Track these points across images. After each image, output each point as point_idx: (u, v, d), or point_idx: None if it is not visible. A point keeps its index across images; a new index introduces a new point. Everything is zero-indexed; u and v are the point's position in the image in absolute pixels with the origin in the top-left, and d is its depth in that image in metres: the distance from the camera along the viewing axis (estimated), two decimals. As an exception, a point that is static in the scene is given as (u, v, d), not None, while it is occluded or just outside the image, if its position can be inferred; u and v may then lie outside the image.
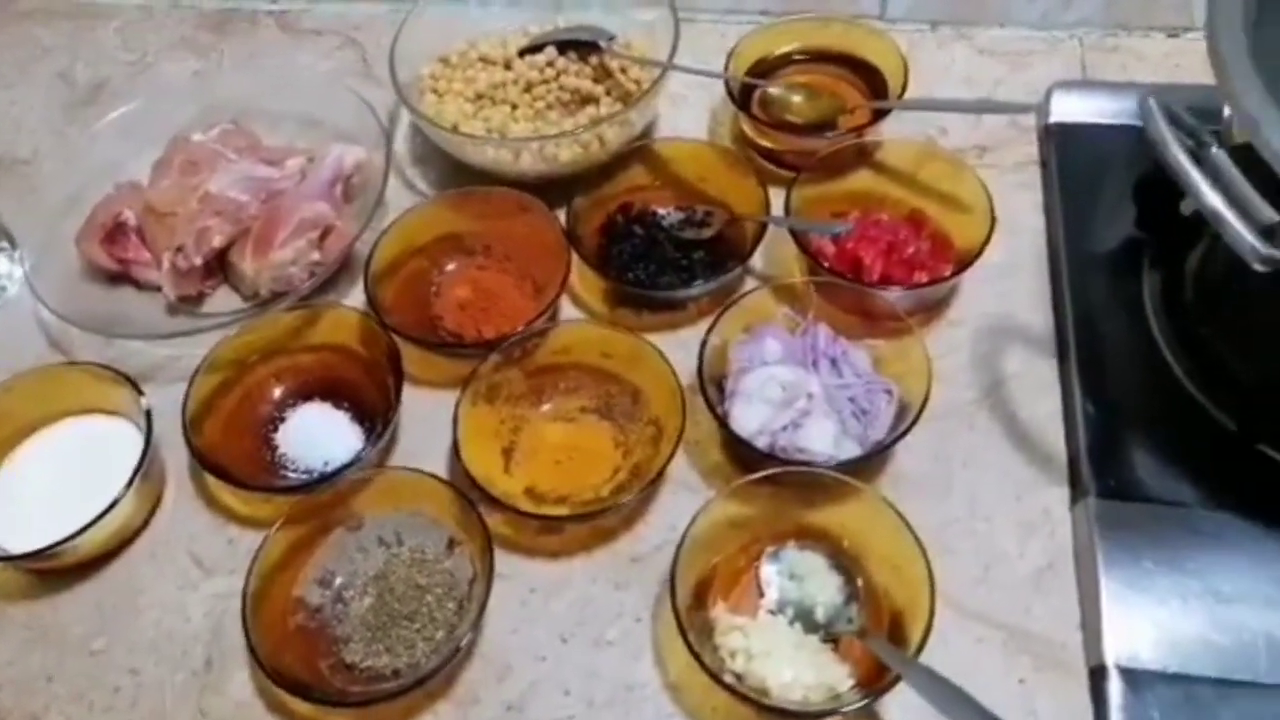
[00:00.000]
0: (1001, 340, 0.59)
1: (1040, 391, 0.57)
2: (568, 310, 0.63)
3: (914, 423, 0.52)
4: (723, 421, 0.52)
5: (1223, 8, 0.45)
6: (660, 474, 0.53)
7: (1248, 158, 0.42)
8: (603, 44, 0.66)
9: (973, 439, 0.56)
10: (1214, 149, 0.43)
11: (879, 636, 0.48)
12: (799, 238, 0.59)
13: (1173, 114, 0.43)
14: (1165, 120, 0.41)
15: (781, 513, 0.52)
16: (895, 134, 0.68)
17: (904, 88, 0.65)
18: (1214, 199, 0.38)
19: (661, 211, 0.64)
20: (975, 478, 0.55)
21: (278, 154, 0.66)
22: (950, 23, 0.74)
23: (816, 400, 0.53)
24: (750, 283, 0.63)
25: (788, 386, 0.53)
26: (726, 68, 0.66)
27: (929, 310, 0.60)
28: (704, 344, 0.54)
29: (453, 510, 0.52)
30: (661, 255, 0.62)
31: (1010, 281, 0.61)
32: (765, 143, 0.67)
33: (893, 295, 0.58)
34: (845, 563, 0.51)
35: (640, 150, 0.65)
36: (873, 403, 0.54)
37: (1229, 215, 0.38)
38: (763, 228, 0.60)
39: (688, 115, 0.71)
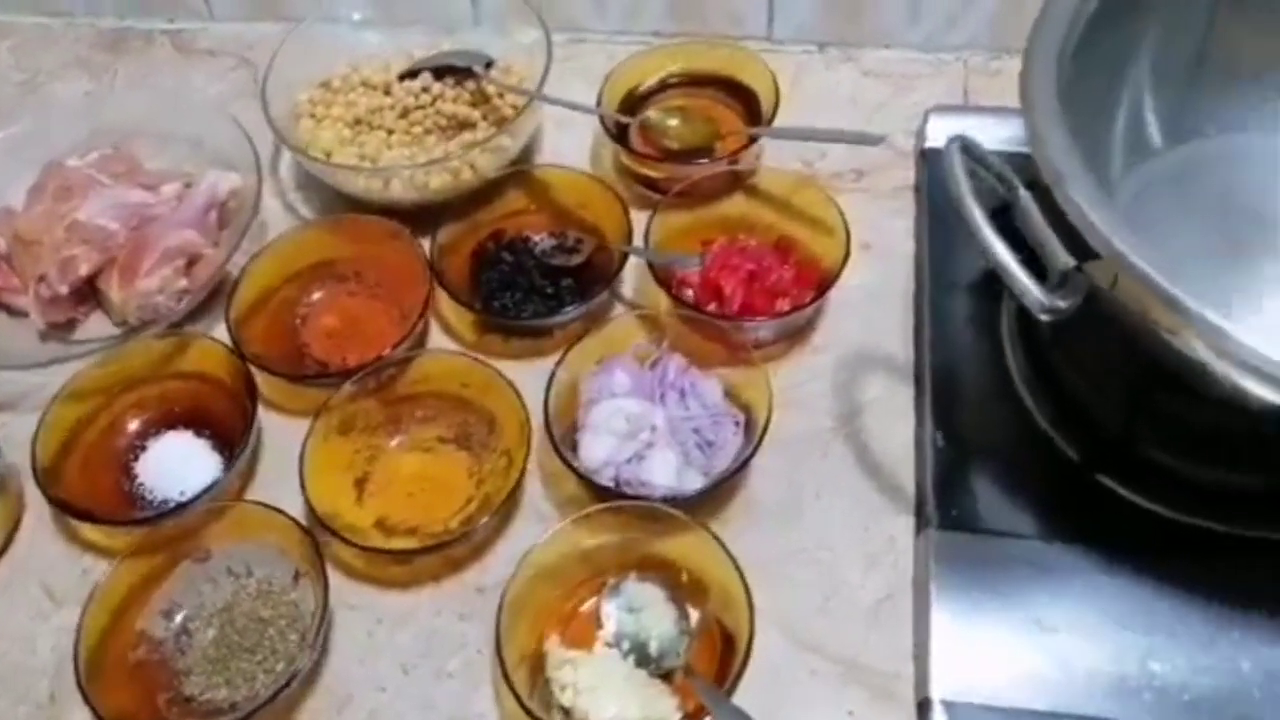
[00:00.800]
0: (863, 368, 0.60)
1: (896, 420, 0.57)
2: (439, 338, 0.63)
3: (752, 454, 0.52)
4: (560, 454, 0.52)
5: (1044, 38, 0.46)
6: (504, 505, 0.53)
7: (1053, 200, 0.43)
8: (477, 70, 0.66)
9: (826, 467, 0.56)
10: (1021, 191, 0.44)
11: (698, 675, 0.48)
12: (654, 268, 0.59)
13: (978, 156, 0.43)
14: (963, 166, 0.41)
15: (625, 545, 0.52)
16: (775, 158, 0.68)
17: (775, 111, 0.65)
18: (1000, 251, 0.39)
19: (535, 238, 0.65)
20: (825, 506, 0.55)
21: (155, 179, 0.66)
22: (838, 44, 0.74)
23: (660, 433, 0.53)
24: (620, 311, 0.63)
25: (632, 419, 0.53)
26: (599, 99, 0.66)
27: (792, 338, 0.60)
28: (551, 377, 0.54)
29: (297, 543, 0.52)
30: (529, 283, 0.62)
31: (877, 309, 0.62)
32: (643, 170, 0.67)
33: (749, 324, 0.58)
34: (683, 595, 0.51)
35: (518, 176, 0.66)
36: (719, 434, 0.54)
37: (1014, 269, 0.39)
38: (625, 256, 0.61)
39: (572, 138, 0.71)
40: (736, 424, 0.54)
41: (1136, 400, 0.49)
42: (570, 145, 0.71)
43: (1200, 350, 0.39)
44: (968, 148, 0.43)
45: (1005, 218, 0.57)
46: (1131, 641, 0.49)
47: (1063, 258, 0.41)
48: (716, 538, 0.49)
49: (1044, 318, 0.39)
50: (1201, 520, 0.51)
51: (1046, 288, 0.41)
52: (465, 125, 0.67)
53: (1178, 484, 0.51)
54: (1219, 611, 0.49)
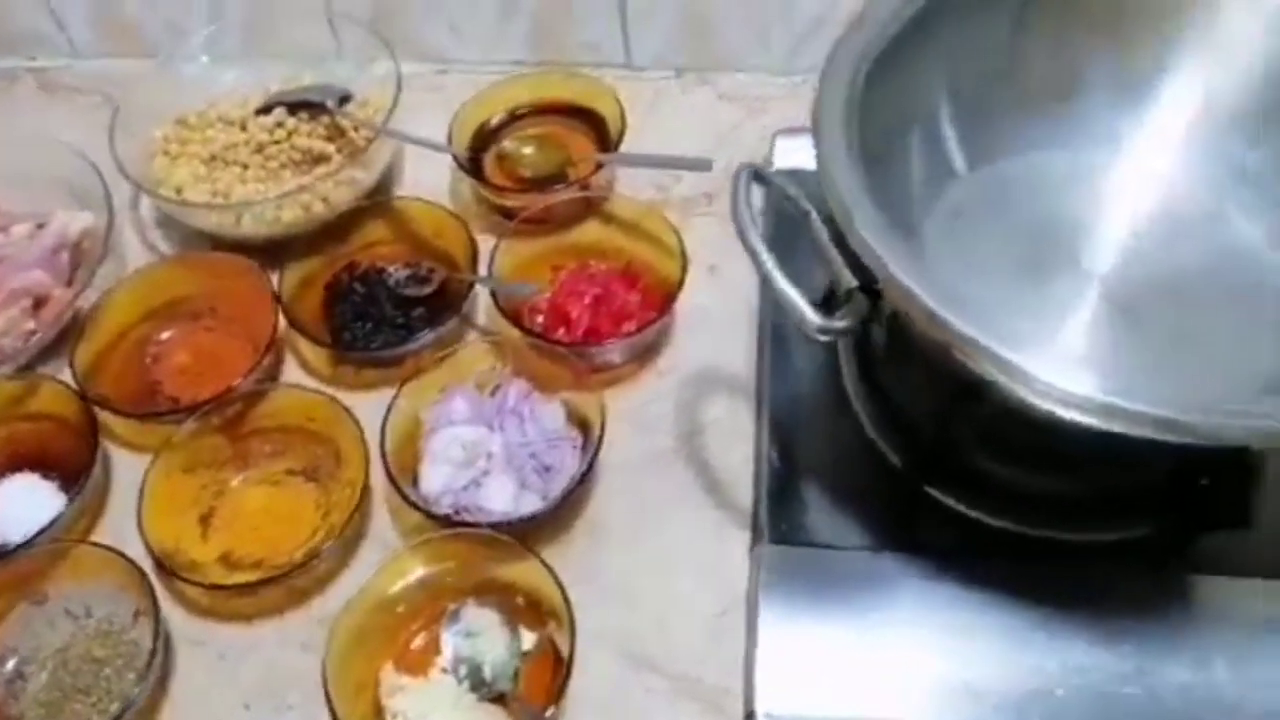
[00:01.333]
0: (707, 388, 0.61)
1: (737, 438, 0.58)
2: (295, 373, 0.63)
3: (582, 477, 0.53)
4: (395, 483, 0.53)
5: (838, 66, 0.47)
6: (346, 536, 0.54)
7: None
8: (329, 104, 0.67)
9: (667, 487, 0.57)
10: (812, 213, 0.45)
11: (522, 698, 0.49)
12: (496, 295, 0.60)
13: (767, 180, 0.45)
14: (745, 192, 0.43)
15: (465, 571, 0.53)
16: (630, 184, 0.70)
17: (621, 137, 0.67)
18: (777, 277, 0.40)
19: (390, 269, 0.65)
20: (666, 526, 0.56)
21: (5, 220, 0.66)
22: (695, 69, 0.76)
23: (496, 459, 0.54)
24: (472, 339, 0.63)
25: (468, 446, 0.54)
26: (449, 134, 0.67)
27: (640, 360, 0.62)
28: (389, 407, 0.55)
29: (136, 582, 0.52)
30: (380, 313, 0.63)
31: (722, 330, 0.63)
32: (499, 200, 0.68)
33: (593, 349, 0.59)
34: (519, 619, 0.52)
35: (372, 208, 0.67)
36: (556, 458, 0.55)
37: (789, 293, 0.40)
38: (471, 285, 0.62)
39: (433, 169, 0.71)
40: (575, 447, 0.55)
41: (948, 411, 0.51)
42: (431, 176, 0.71)
43: (981, 369, 0.41)
44: (758, 175, 0.44)
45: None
46: (951, 648, 0.50)
47: (845, 278, 0.43)
48: (542, 560, 0.50)
49: (820, 338, 0.40)
50: (1017, 525, 0.52)
51: (835, 308, 0.43)
52: (320, 159, 0.68)
53: (995, 491, 0.53)
54: (1032, 615, 0.51)
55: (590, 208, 0.65)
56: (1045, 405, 0.39)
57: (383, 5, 0.75)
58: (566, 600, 0.49)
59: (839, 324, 0.40)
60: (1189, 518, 0.52)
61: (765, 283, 0.59)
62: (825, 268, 0.44)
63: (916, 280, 0.40)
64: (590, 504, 0.57)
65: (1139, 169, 0.55)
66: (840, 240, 0.43)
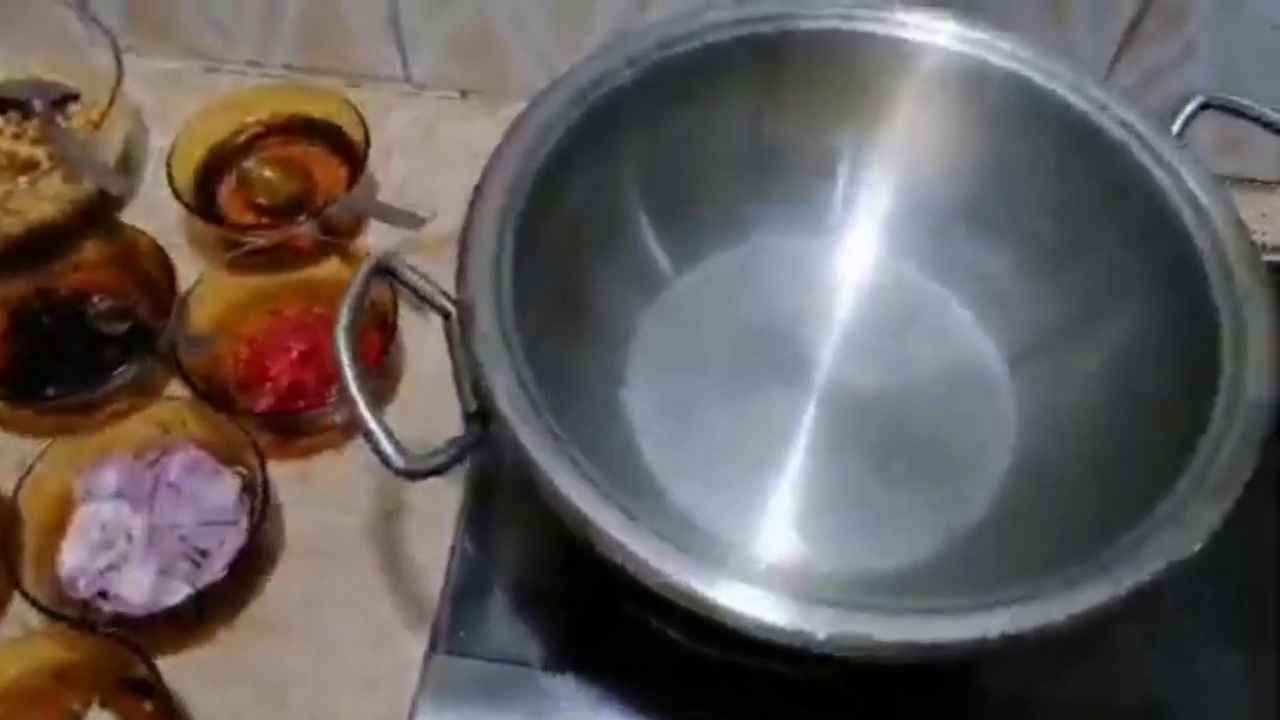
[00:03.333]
0: (419, 462, 0.56)
1: (437, 525, 0.53)
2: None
3: (234, 567, 0.48)
4: (9, 565, 0.47)
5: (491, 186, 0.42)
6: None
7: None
8: (35, 104, 0.60)
9: (354, 577, 0.52)
10: (453, 317, 0.39)
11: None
12: (174, 347, 0.53)
13: (399, 275, 0.39)
14: (360, 291, 0.37)
15: (95, 669, 0.47)
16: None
17: (362, 167, 0.61)
18: (361, 406, 0.34)
19: (95, 299, 0.58)
20: (340, 622, 0.51)
21: None
22: (480, 92, 0.70)
23: (136, 543, 0.48)
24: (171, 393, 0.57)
25: (108, 526, 0.48)
26: (168, 164, 0.59)
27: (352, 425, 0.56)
28: (26, 472, 0.49)
29: None
30: (63, 351, 0.56)
31: (450, 397, 0.58)
32: (228, 234, 0.60)
33: (291, 415, 0.54)
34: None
35: (89, 228, 0.58)
36: (214, 541, 0.49)
37: (375, 430, 0.34)
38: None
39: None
40: (242, 530, 0.50)
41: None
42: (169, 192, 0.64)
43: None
44: (386, 268, 0.38)
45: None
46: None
47: (468, 400, 0.37)
48: (151, 665, 0.44)
49: (404, 477, 0.35)
50: (714, 649, 0.48)
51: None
52: (29, 167, 0.60)
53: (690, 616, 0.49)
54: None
55: (329, 247, 0.59)
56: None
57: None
58: (171, 706, 0.44)
59: (430, 463, 0.35)
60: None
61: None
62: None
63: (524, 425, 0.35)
64: (259, 595, 0.51)
65: (860, 262, 0.51)
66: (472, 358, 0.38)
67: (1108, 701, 0.48)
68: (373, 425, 0.34)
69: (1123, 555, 0.33)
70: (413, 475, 0.35)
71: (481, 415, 0.36)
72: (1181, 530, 0.33)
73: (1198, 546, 0.33)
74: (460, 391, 0.38)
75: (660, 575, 0.32)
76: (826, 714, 0.47)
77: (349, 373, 0.35)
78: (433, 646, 0.49)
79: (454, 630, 0.49)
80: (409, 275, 0.39)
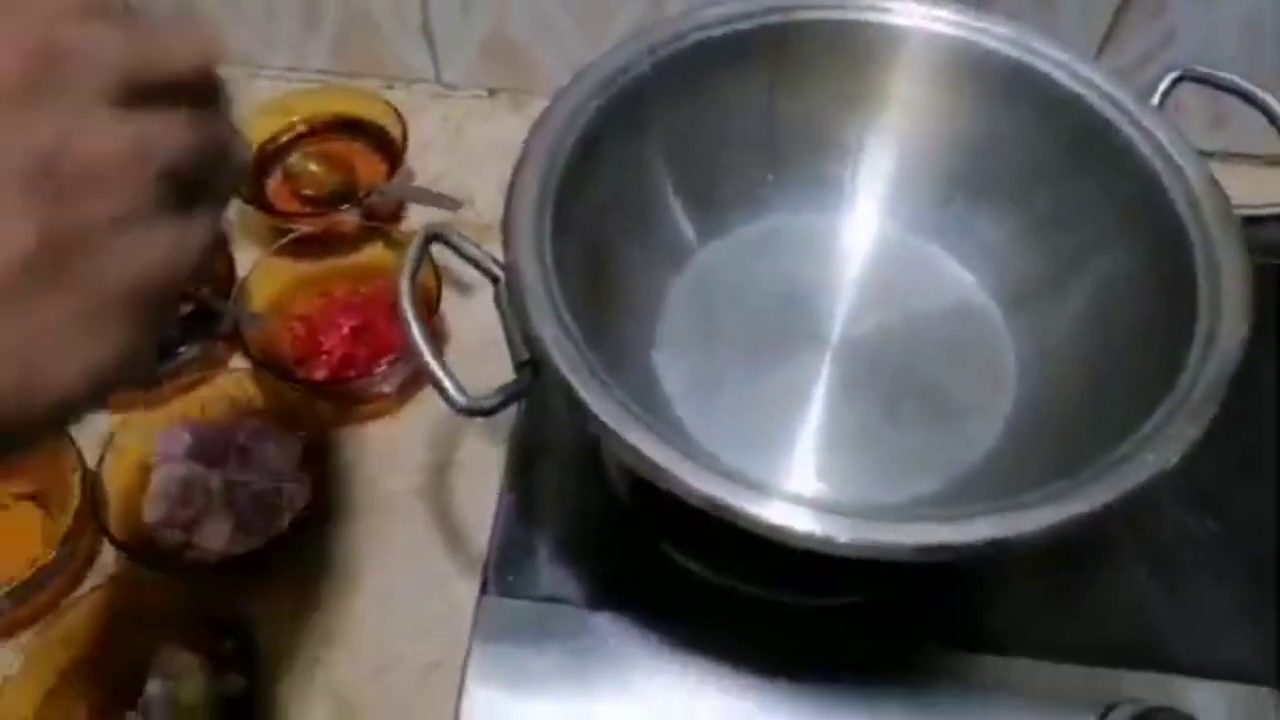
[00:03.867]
0: (465, 424, 0.60)
1: (485, 481, 0.57)
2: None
3: (299, 520, 0.52)
4: (98, 518, 0.51)
5: (532, 156, 0.45)
6: (60, 565, 0.52)
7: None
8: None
9: (407, 530, 0.56)
10: (501, 281, 0.44)
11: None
12: (237, 324, 0.58)
13: (450, 242, 0.43)
14: (418, 256, 0.41)
15: (173, 610, 0.52)
16: (424, 211, 0.68)
17: (400, 161, 0.65)
18: (423, 350, 0.39)
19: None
20: (398, 570, 0.55)
21: None
22: (508, 90, 0.74)
23: (215, 497, 0.53)
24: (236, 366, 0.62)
25: (185, 483, 0.53)
26: None
27: (405, 392, 0.60)
28: (109, 440, 0.54)
29: None
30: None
31: (491, 364, 0.62)
32: (279, 221, 0.65)
33: (346, 384, 0.58)
34: (225, 664, 0.51)
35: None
36: (284, 498, 0.54)
37: (434, 368, 0.39)
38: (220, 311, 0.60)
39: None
40: (305, 487, 0.54)
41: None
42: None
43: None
44: (439, 236, 0.43)
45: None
46: (668, 712, 0.50)
47: (520, 350, 0.42)
48: (232, 605, 0.49)
49: (467, 415, 0.39)
50: (744, 585, 0.52)
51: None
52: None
53: (721, 549, 0.52)
54: (751, 680, 0.50)
55: (375, 232, 0.64)
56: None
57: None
58: (251, 645, 0.48)
59: (486, 403, 0.39)
60: (908, 586, 0.52)
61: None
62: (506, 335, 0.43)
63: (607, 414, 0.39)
64: (320, 546, 0.55)
65: (868, 232, 0.55)
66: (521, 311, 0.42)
67: (1106, 635, 0.52)
68: (436, 368, 0.39)
69: (1110, 468, 0.37)
70: (471, 413, 0.39)
71: (532, 364, 0.41)
72: (1162, 444, 0.37)
73: (1176, 459, 0.37)
74: (511, 345, 0.42)
75: (702, 492, 0.36)
76: (840, 647, 0.51)
77: (412, 322, 0.39)
78: (484, 589, 0.53)
79: (502, 574, 0.53)
80: (460, 242, 0.43)
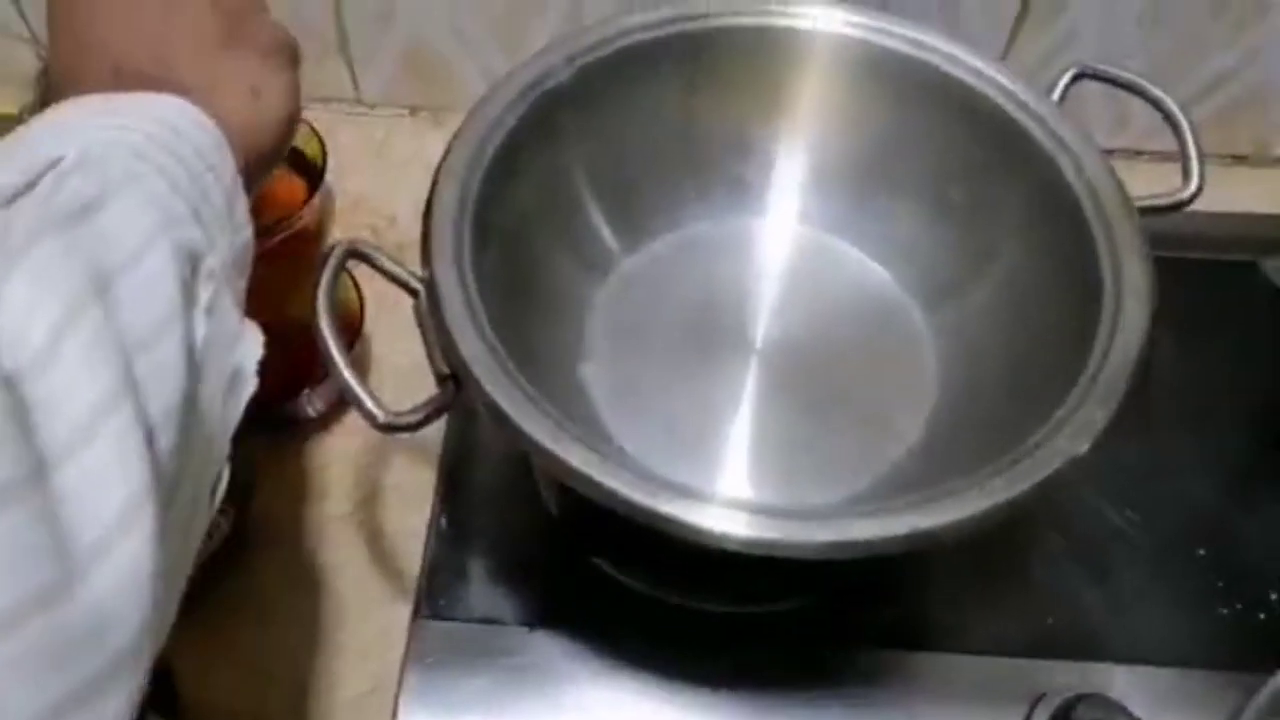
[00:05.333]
0: (393, 448, 0.59)
1: (416, 504, 0.56)
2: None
3: (221, 551, 0.51)
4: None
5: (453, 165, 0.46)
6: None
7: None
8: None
9: (336, 557, 0.55)
10: (422, 296, 0.43)
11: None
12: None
13: (369, 259, 0.43)
14: (333, 273, 0.41)
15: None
16: (346, 220, 0.67)
17: (321, 179, 0.64)
18: (342, 370, 0.38)
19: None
20: (324, 598, 0.54)
21: None
22: (428, 108, 0.74)
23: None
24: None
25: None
26: None
27: (330, 416, 0.59)
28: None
29: None
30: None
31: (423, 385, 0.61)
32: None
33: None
34: (143, 704, 0.49)
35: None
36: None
37: (354, 387, 0.38)
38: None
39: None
40: (224, 515, 0.52)
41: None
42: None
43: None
44: (356, 252, 0.42)
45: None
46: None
47: (439, 364, 0.41)
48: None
49: (386, 432, 0.39)
50: (679, 597, 0.52)
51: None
52: None
53: (654, 561, 0.52)
54: (692, 692, 0.50)
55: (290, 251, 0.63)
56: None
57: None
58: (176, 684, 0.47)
59: (407, 419, 0.39)
60: (841, 589, 0.53)
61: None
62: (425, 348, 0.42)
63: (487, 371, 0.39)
64: (245, 577, 0.54)
65: (787, 236, 0.56)
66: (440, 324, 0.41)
67: (1036, 627, 0.52)
68: (354, 384, 0.38)
69: (1024, 457, 0.38)
70: (393, 429, 0.38)
71: (453, 377, 0.40)
72: (1074, 432, 0.38)
73: (1087, 446, 0.38)
74: (432, 359, 0.41)
75: (636, 502, 0.36)
76: (778, 654, 0.51)
77: (329, 339, 0.39)
78: (416, 612, 0.52)
79: (435, 597, 0.52)
80: (378, 256, 0.42)
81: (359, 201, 0.70)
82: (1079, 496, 0.56)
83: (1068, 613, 0.52)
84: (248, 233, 0.39)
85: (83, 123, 0.35)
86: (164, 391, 0.30)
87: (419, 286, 0.43)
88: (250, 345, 0.37)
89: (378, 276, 0.44)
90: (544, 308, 0.52)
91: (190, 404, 0.32)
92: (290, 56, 0.43)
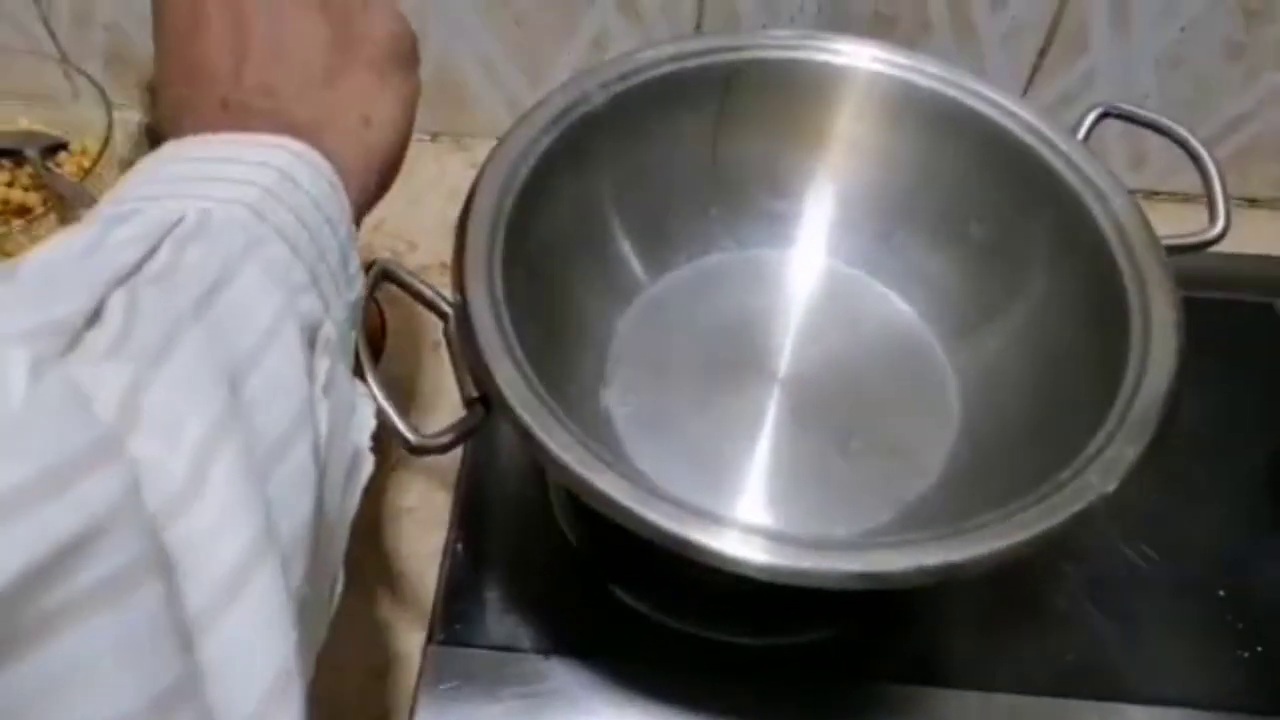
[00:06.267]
0: (407, 472, 0.59)
1: (432, 528, 0.56)
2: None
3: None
4: None
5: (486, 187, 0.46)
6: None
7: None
8: (28, 153, 0.63)
9: (351, 580, 0.54)
10: (450, 316, 0.43)
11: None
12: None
13: (400, 280, 0.43)
14: (369, 293, 0.41)
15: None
16: (366, 244, 0.67)
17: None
18: (380, 398, 0.38)
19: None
20: (337, 621, 0.52)
21: None
22: (450, 134, 0.75)
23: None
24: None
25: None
26: None
27: (344, 439, 0.59)
28: None
29: None
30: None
31: (440, 409, 0.61)
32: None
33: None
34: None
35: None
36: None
37: (385, 408, 0.38)
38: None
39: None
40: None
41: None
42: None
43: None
44: (388, 273, 0.42)
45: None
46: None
47: (468, 387, 0.41)
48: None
49: (418, 454, 0.38)
50: (698, 627, 0.51)
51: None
52: (24, 211, 0.63)
53: (678, 591, 0.52)
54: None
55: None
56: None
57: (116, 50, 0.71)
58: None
59: (439, 441, 0.38)
60: (862, 623, 0.52)
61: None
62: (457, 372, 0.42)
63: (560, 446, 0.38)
64: (262, 596, 0.53)
65: (812, 268, 0.56)
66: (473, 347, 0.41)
67: (1055, 665, 0.52)
68: (386, 406, 0.38)
69: (1052, 493, 0.38)
70: (425, 451, 0.38)
71: (483, 400, 0.40)
72: (1103, 469, 0.38)
73: (1116, 484, 0.38)
74: (460, 382, 0.41)
75: (663, 528, 0.36)
76: (797, 687, 0.50)
77: (364, 361, 0.38)
78: (430, 638, 0.52)
79: (450, 622, 0.52)
80: (410, 279, 0.42)
81: (380, 225, 0.70)
82: (1099, 534, 0.55)
83: (1086, 651, 0.52)
84: (360, 286, 0.37)
85: (198, 172, 0.33)
86: (297, 511, 0.27)
87: (448, 310, 0.43)
88: (364, 416, 0.35)
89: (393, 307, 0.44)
90: (568, 332, 0.52)
91: (319, 511, 0.28)
92: (406, 54, 0.42)
